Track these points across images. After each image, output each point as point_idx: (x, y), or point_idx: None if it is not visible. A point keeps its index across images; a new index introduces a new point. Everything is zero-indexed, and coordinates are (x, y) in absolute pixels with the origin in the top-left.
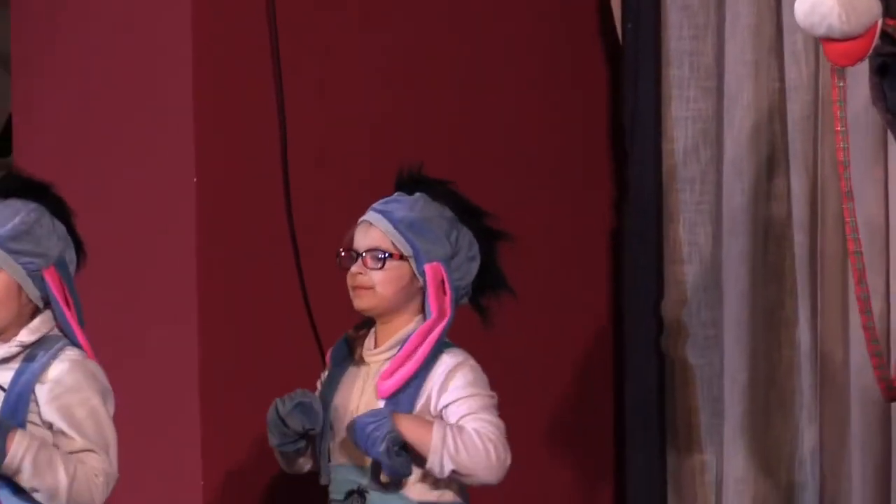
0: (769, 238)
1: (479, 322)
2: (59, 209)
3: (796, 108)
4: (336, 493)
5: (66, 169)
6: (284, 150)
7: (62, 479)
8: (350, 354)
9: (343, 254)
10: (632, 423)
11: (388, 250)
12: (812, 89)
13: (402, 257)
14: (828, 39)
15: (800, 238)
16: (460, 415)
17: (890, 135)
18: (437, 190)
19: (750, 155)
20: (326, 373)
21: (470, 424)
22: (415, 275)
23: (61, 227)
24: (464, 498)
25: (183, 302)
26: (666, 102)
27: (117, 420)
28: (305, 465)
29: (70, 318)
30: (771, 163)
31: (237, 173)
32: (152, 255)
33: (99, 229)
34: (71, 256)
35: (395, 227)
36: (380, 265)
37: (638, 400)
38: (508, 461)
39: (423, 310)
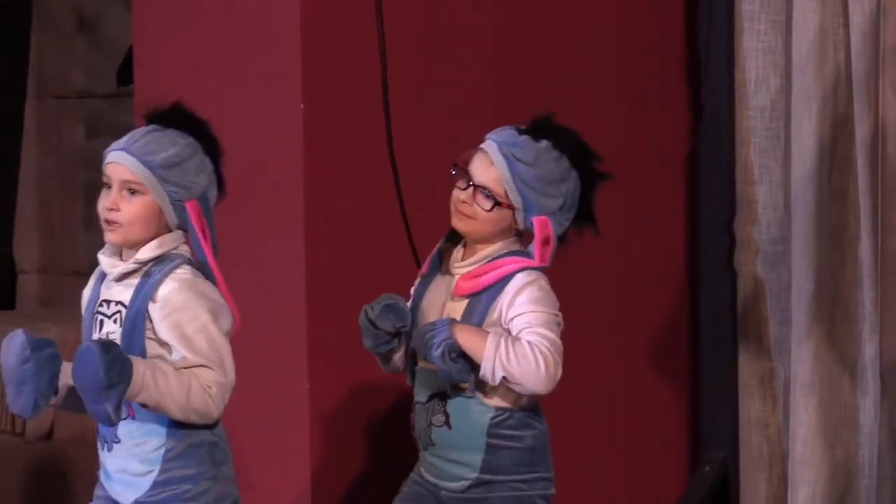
0: (834, 162)
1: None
2: (211, 147)
3: (858, 41)
4: (420, 396)
5: (181, 95)
6: (385, 76)
7: (178, 394)
8: (440, 265)
9: (456, 171)
10: (706, 332)
11: (500, 199)
12: (873, 23)
13: (510, 206)
14: None
15: (862, 162)
16: (521, 327)
17: None
18: (561, 139)
19: (816, 84)
20: (418, 281)
21: (526, 337)
22: (515, 219)
23: (209, 165)
24: (536, 404)
25: (291, 219)
26: (738, 35)
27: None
28: (401, 364)
29: (205, 247)
30: (835, 91)
31: (341, 100)
32: (262, 176)
33: None
34: (213, 193)
35: (514, 180)
36: (488, 207)
37: (712, 311)
38: (558, 375)
39: (512, 236)
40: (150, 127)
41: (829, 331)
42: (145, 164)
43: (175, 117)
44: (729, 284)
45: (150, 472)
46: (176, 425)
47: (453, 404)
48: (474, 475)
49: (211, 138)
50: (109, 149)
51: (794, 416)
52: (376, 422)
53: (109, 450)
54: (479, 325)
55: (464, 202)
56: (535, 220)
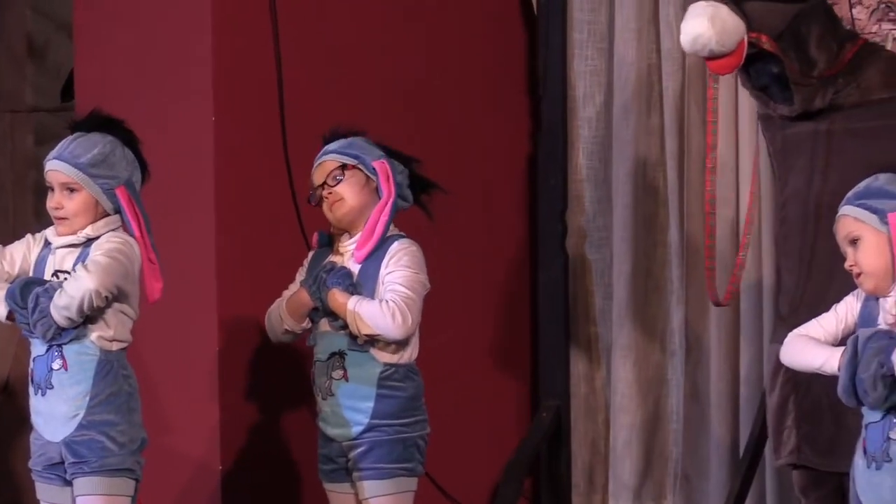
0: (647, 163)
1: (429, 225)
2: (129, 140)
3: (668, 65)
4: (321, 354)
5: (112, 109)
6: (282, 97)
7: (65, 295)
8: (330, 245)
9: (312, 192)
10: (543, 303)
11: (347, 163)
12: (680, 51)
13: (354, 167)
14: (710, 58)
15: (671, 164)
16: (387, 284)
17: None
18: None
19: (633, 100)
20: (311, 255)
21: (386, 295)
22: (368, 177)
23: (130, 154)
24: (414, 362)
25: (203, 200)
26: (570, 58)
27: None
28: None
29: (134, 225)
30: (649, 106)
31: (244, 111)
32: (178, 172)
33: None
34: (137, 177)
35: (340, 151)
36: (342, 177)
37: (548, 285)
38: (409, 322)
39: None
40: (76, 134)
41: (644, 302)
42: (76, 166)
43: (94, 121)
44: (562, 264)
45: (76, 415)
46: (99, 378)
47: (350, 360)
48: (367, 420)
49: (128, 132)
50: (46, 158)
51: (615, 372)
52: (280, 378)
53: (43, 395)
54: (374, 282)
55: (328, 195)
56: (375, 164)
